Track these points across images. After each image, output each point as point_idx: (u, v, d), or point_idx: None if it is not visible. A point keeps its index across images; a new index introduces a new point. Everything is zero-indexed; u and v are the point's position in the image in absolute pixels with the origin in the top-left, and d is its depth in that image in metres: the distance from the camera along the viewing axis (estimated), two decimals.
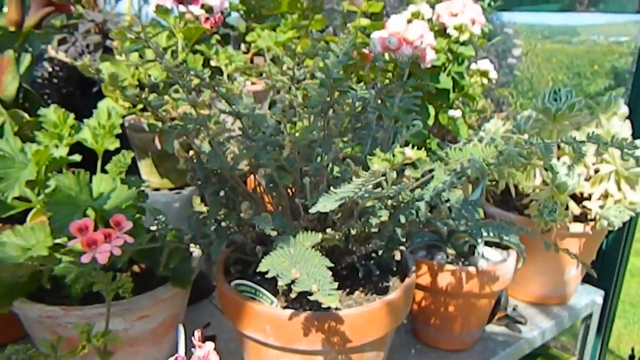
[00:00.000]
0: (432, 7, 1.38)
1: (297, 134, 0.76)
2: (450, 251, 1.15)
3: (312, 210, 0.65)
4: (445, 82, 1.38)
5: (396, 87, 0.83)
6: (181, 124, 0.72)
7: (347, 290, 0.85)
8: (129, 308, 0.84)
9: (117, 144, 0.87)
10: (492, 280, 1.09)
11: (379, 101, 0.94)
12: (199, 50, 1.72)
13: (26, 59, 1.24)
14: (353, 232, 0.76)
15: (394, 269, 0.91)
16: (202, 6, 1.76)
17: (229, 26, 1.90)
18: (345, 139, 0.80)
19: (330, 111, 0.81)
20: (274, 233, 0.68)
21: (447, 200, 0.78)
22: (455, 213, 0.75)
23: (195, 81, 0.73)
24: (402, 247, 0.88)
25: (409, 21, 1.25)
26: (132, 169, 1.16)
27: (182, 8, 1.13)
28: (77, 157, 0.85)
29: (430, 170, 0.75)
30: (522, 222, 1.26)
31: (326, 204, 0.65)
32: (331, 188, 0.68)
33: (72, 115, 0.91)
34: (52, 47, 1.32)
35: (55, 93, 1.37)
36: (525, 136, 1.32)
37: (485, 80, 1.40)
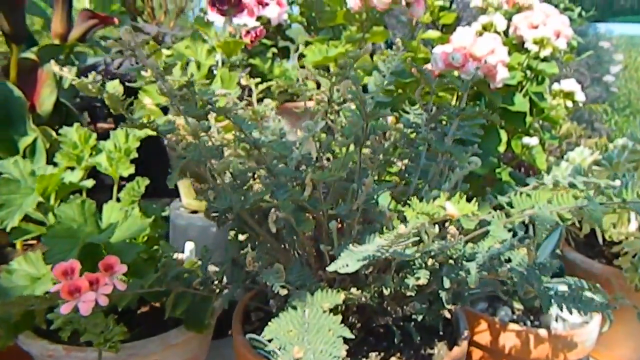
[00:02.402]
0: (509, 18, 1.20)
1: (327, 168, 0.64)
2: (517, 305, 0.97)
3: (330, 268, 0.52)
4: (520, 103, 1.19)
5: (453, 112, 0.68)
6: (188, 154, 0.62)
7: (381, 355, 0.71)
8: (134, 353, 0.76)
9: (131, 170, 0.79)
10: (569, 347, 0.89)
11: (433, 128, 0.79)
12: (253, 65, 1.64)
13: (72, 72, 1.21)
14: (386, 291, 0.63)
15: (441, 332, 0.76)
16: (259, 18, 1.69)
17: (287, 38, 1.82)
18: (384, 176, 0.66)
19: (369, 141, 0.68)
20: (284, 292, 0.56)
21: (508, 260, 0.62)
22: (516, 277, 0.59)
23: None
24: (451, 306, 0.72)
25: (479, 34, 1.09)
26: (173, 190, 1.09)
27: (229, 20, 1.05)
28: (88, 183, 0.78)
29: (487, 222, 0.59)
30: (611, 275, 1.05)
31: (348, 261, 0.52)
32: (360, 238, 0.54)
33: (94, 136, 0.85)
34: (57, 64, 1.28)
35: (104, 107, 1.35)
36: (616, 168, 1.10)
37: (569, 103, 1.19)
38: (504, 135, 1.24)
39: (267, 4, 1.62)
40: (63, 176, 0.76)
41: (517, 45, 1.28)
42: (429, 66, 1.15)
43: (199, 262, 0.76)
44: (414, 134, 0.77)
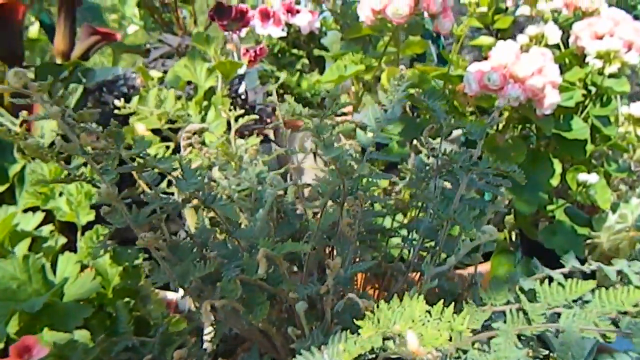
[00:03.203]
0: (563, 27, 1.00)
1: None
2: None
3: None
4: (579, 129, 0.99)
5: (463, 166, 0.52)
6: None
7: None
8: None
9: (90, 217, 0.69)
10: None
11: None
12: (278, 77, 1.52)
13: (77, 91, 1.15)
14: None
15: None
16: (289, 27, 1.57)
17: (322, 47, 1.68)
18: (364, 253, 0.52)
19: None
20: None
21: None
22: None
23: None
24: None
25: (525, 48, 0.90)
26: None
27: (231, 37, 0.94)
28: (46, 230, 0.69)
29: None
30: None
31: None
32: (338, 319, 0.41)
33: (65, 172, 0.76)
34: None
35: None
36: None
37: None
38: (558, 166, 1.04)
39: (297, 12, 1.50)
40: (17, 221, 0.67)
41: (578, 58, 1.07)
42: (462, 86, 0.98)
43: None
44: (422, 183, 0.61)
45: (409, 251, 0.61)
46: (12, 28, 0.93)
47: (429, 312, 0.38)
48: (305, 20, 1.46)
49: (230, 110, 0.73)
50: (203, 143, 0.68)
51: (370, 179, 0.52)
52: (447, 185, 0.66)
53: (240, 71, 1.40)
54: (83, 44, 1.06)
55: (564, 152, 1.03)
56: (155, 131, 0.97)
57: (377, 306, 0.48)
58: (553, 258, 1.05)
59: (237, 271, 0.49)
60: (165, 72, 1.34)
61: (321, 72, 1.65)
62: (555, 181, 1.04)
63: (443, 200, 0.55)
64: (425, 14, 0.87)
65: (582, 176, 0.93)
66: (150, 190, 0.54)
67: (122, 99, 0.91)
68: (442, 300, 0.41)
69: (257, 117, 0.71)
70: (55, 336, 0.63)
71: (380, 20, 0.89)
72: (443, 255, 0.60)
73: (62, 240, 0.78)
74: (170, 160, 0.48)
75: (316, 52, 1.68)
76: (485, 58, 1.46)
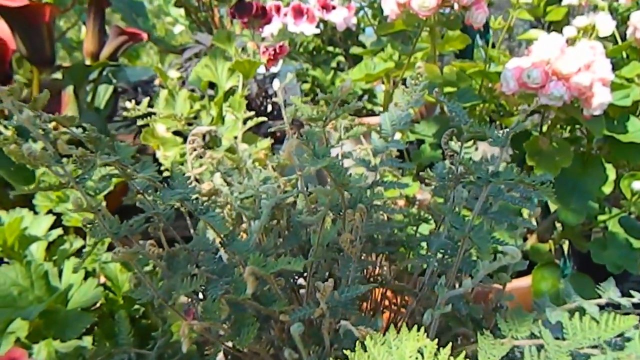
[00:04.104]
0: (622, 15, 0.90)
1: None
2: None
3: None
4: (636, 131, 0.88)
5: (482, 178, 0.45)
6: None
7: None
8: None
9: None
10: None
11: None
12: (314, 76, 1.48)
13: (107, 91, 1.15)
14: None
15: None
16: (325, 23, 1.52)
17: (360, 45, 1.62)
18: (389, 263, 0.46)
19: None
20: None
21: None
22: None
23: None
24: None
25: (572, 42, 0.81)
26: None
27: (252, 35, 0.90)
28: (55, 233, 0.67)
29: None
30: None
31: None
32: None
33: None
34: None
35: None
36: None
37: None
38: (611, 172, 0.94)
39: (333, 8, 1.45)
40: (26, 225, 0.66)
41: (637, 51, 0.96)
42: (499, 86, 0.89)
43: None
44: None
45: (427, 268, 0.55)
46: (39, 29, 0.93)
47: (421, 352, 0.32)
48: (340, 16, 1.40)
49: (248, 111, 0.69)
50: (209, 147, 0.64)
51: (374, 190, 0.47)
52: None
53: (274, 69, 1.36)
54: (111, 44, 1.05)
55: (618, 157, 0.93)
56: (178, 133, 0.95)
57: (386, 331, 0.43)
58: (606, 273, 0.95)
59: (223, 289, 0.45)
60: None
61: None
62: (607, 188, 0.93)
63: (460, 214, 0.49)
64: (456, 6, 0.80)
65: (637, 184, 0.83)
66: (143, 197, 0.51)
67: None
68: (445, 335, 0.35)
69: (264, 119, 0.67)
70: (58, 344, 0.61)
71: (407, 14, 0.82)
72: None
73: (78, 243, 0.77)
74: (152, 169, 0.44)
75: (353, 49, 1.62)
76: None
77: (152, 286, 0.46)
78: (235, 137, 0.70)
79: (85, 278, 0.66)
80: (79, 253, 0.78)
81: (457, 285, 0.50)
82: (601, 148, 0.99)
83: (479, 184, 0.45)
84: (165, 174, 0.77)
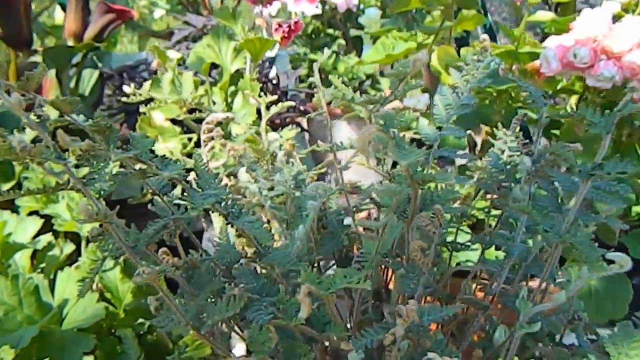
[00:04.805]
0: None
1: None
2: None
3: None
4: None
5: (583, 171, 0.38)
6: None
7: None
8: None
9: (95, 224, 0.57)
10: None
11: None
12: (313, 60, 1.39)
13: (93, 76, 1.04)
14: None
15: None
16: (325, 3, 1.42)
17: (360, 27, 1.53)
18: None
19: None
20: None
21: None
22: None
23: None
24: None
25: (618, 17, 0.74)
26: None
27: (261, 11, 0.80)
28: (44, 240, 0.58)
29: None
30: None
31: None
32: None
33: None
34: None
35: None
36: None
37: None
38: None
39: None
40: (10, 231, 0.56)
41: None
42: (536, 65, 0.82)
43: None
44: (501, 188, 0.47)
45: (492, 277, 0.47)
46: (15, 9, 0.82)
47: None
48: None
49: (260, 96, 0.60)
50: (227, 137, 0.55)
51: (447, 187, 0.39)
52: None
53: (270, 54, 1.26)
54: (97, 24, 0.94)
55: None
56: (176, 121, 0.85)
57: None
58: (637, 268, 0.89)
59: (271, 313, 0.36)
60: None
61: (359, 55, 1.50)
62: None
63: (547, 215, 0.41)
64: None
65: None
66: (160, 200, 0.42)
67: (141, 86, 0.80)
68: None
69: (292, 103, 0.58)
70: None
71: None
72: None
73: (68, 248, 0.68)
74: (178, 166, 0.35)
75: (353, 32, 1.53)
76: (545, 37, 1.28)
77: (179, 310, 0.37)
78: (250, 126, 0.61)
79: None
80: (70, 260, 0.69)
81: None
82: (631, 135, 0.93)
83: (580, 177, 0.38)
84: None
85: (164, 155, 0.37)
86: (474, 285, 0.58)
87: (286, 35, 0.72)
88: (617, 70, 0.67)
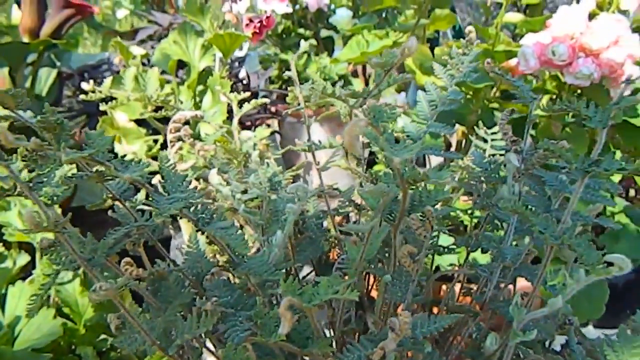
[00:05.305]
0: None
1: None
2: None
3: None
4: None
5: (578, 167, 0.36)
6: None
7: None
8: None
9: (50, 235, 0.52)
10: None
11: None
12: (283, 60, 1.35)
13: (50, 76, 0.98)
14: None
15: None
16: (296, 2, 1.39)
17: (331, 27, 1.51)
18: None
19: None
20: None
21: None
22: None
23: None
24: None
25: (592, 15, 0.74)
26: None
27: (230, 6, 0.77)
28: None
29: None
30: None
31: None
32: None
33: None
34: None
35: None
36: None
37: None
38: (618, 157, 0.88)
39: None
40: None
41: None
42: (512, 63, 0.81)
43: None
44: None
45: (481, 281, 0.44)
46: None
47: None
48: None
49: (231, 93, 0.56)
50: (197, 137, 0.51)
51: (437, 187, 0.36)
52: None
53: (240, 53, 1.23)
54: (54, 19, 0.89)
55: (628, 142, 0.87)
56: (141, 123, 0.80)
57: None
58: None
59: (248, 329, 0.32)
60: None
61: (330, 55, 1.47)
62: (616, 177, 0.87)
63: (539, 215, 0.38)
64: None
65: None
66: (122, 205, 0.38)
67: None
68: None
69: (267, 100, 0.55)
70: None
71: None
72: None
73: (22, 260, 0.62)
74: (141, 167, 0.31)
75: (324, 32, 1.51)
76: (514, 37, 1.27)
77: (143, 329, 0.33)
78: (221, 125, 0.57)
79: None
80: (24, 272, 0.63)
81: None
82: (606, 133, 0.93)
83: (574, 175, 0.35)
84: None
85: (125, 156, 0.33)
86: (457, 290, 0.56)
87: (257, 31, 0.69)
88: (596, 67, 0.66)
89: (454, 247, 0.53)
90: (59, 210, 0.60)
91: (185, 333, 0.32)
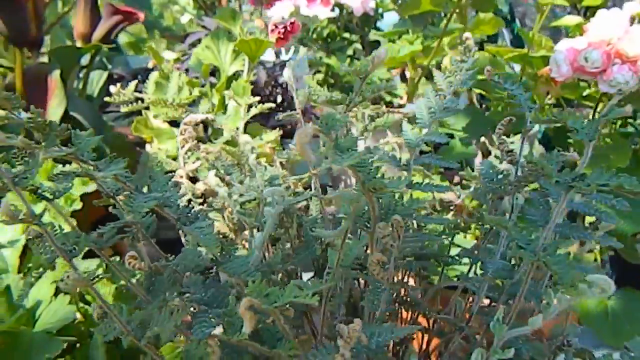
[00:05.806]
0: None
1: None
2: None
3: None
4: None
5: (562, 181, 0.34)
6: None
7: None
8: None
9: (66, 227, 0.56)
10: None
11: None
12: (328, 65, 1.36)
13: (101, 78, 1.05)
14: None
15: None
16: (341, 7, 1.40)
17: (378, 31, 1.50)
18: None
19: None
20: None
21: None
22: None
23: None
24: None
25: (634, 19, 0.69)
26: None
27: (260, 12, 0.79)
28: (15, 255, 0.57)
29: None
30: None
31: None
32: None
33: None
34: None
35: None
36: None
37: None
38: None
39: None
40: None
41: None
42: (546, 71, 0.77)
43: None
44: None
45: (474, 293, 0.43)
46: (20, 6, 0.83)
47: None
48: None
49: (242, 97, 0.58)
50: (209, 139, 0.53)
51: (413, 197, 0.36)
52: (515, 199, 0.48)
53: (284, 57, 1.25)
54: (105, 25, 0.95)
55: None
56: (176, 124, 0.84)
57: None
58: None
59: (213, 326, 0.34)
60: None
61: None
62: None
63: (524, 228, 0.37)
64: None
65: None
66: (115, 201, 0.40)
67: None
68: None
69: (272, 105, 0.56)
70: None
71: None
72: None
73: None
74: (118, 165, 0.33)
75: (371, 35, 1.50)
76: None
77: (119, 319, 0.35)
78: (237, 128, 0.59)
79: (57, 293, 0.55)
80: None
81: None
82: None
83: (557, 189, 0.34)
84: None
85: (112, 155, 0.36)
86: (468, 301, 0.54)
87: (282, 36, 0.70)
88: (632, 75, 0.62)
89: (457, 257, 0.52)
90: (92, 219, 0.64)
91: (155, 326, 0.34)
